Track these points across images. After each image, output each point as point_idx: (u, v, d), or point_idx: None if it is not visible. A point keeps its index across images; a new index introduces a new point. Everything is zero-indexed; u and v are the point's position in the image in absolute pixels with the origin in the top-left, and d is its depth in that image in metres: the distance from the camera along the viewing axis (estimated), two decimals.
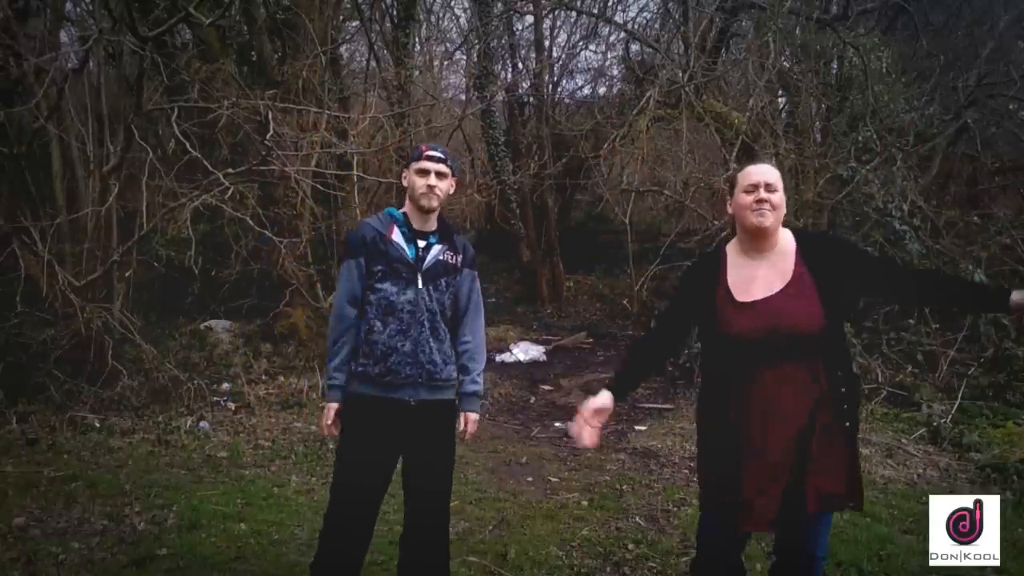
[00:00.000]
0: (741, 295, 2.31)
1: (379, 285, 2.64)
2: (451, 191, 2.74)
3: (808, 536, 2.36)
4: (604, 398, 2.41)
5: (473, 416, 2.78)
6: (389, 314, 2.62)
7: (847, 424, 2.27)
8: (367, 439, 2.67)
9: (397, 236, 2.67)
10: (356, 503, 2.71)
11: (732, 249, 2.44)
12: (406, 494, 2.78)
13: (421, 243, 2.68)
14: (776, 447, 2.22)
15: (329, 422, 2.71)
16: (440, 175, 2.64)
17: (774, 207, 2.30)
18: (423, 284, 2.64)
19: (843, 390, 2.26)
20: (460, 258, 2.73)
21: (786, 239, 2.39)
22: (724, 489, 2.32)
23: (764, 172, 2.36)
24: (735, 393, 2.28)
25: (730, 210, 2.44)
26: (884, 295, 2.49)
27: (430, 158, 2.65)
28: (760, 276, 2.33)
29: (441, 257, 2.69)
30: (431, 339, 2.65)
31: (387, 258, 2.64)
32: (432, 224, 2.71)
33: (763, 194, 2.30)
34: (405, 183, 2.71)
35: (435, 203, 2.65)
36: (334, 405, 2.70)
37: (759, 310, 2.27)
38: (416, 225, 2.70)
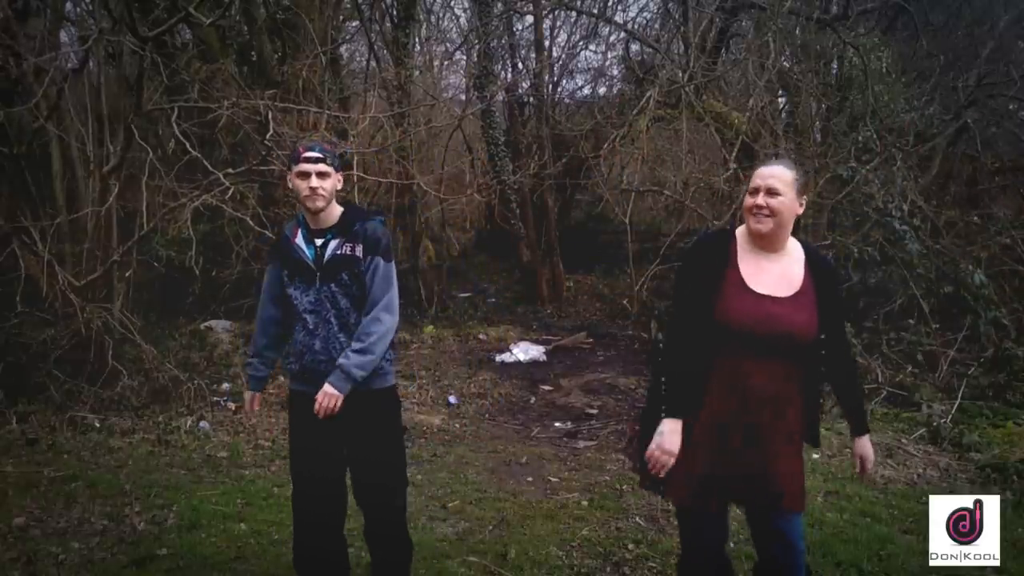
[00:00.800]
0: (752, 283, 2.30)
1: (288, 289, 2.71)
2: (339, 186, 2.70)
3: (783, 527, 2.40)
4: (679, 427, 2.29)
5: (328, 389, 2.56)
6: (299, 315, 2.69)
7: (808, 431, 2.38)
8: (305, 434, 2.74)
9: (299, 239, 2.70)
10: (310, 497, 2.75)
11: (742, 236, 2.41)
12: (353, 488, 2.80)
13: (319, 241, 2.68)
14: (737, 438, 2.28)
15: (247, 409, 2.93)
16: (321, 175, 2.61)
17: (772, 213, 2.28)
18: (323, 282, 2.64)
19: (811, 399, 2.35)
20: (361, 248, 2.65)
21: (795, 247, 2.39)
22: (682, 467, 2.35)
23: (768, 175, 2.31)
24: (718, 376, 2.29)
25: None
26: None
27: (308, 159, 2.61)
28: (770, 272, 2.33)
29: (339, 252, 2.65)
30: (340, 334, 2.64)
31: (290, 262, 2.70)
32: (330, 220, 2.69)
33: (760, 199, 2.29)
34: (291, 186, 2.71)
35: (320, 204, 2.63)
36: (248, 395, 2.91)
37: (766, 305, 2.27)
38: (313, 225, 2.70)
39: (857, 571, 3.35)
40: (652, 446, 2.29)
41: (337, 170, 2.69)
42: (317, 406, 2.57)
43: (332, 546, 2.82)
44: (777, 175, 2.30)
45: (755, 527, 2.47)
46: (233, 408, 5.87)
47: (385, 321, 2.63)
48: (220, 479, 4.50)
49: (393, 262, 2.72)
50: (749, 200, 2.33)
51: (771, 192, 2.28)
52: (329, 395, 2.57)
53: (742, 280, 2.30)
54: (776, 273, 2.33)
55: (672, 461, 2.27)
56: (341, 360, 2.58)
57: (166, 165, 6.01)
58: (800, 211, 2.35)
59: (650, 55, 10.61)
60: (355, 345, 2.59)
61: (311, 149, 2.65)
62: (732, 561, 2.66)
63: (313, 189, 2.60)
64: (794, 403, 2.31)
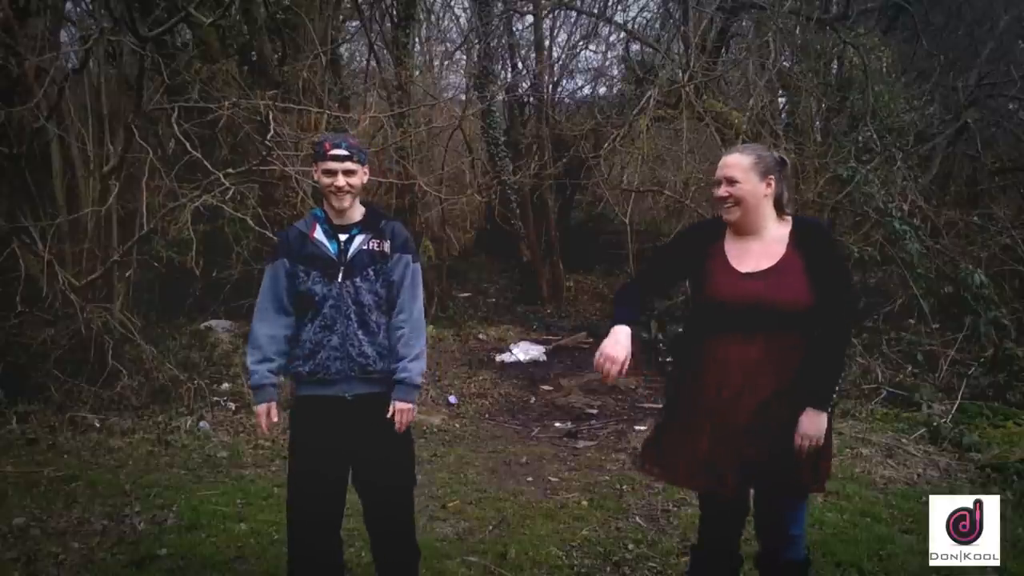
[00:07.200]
0: (736, 264, 2.38)
1: (303, 285, 2.62)
2: (364, 181, 2.66)
3: (783, 515, 2.40)
4: (625, 331, 2.33)
5: (401, 405, 2.63)
6: (314, 311, 2.61)
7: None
8: (314, 442, 2.66)
9: (319, 234, 2.65)
10: (310, 520, 2.66)
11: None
12: (359, 491, 2.74)
13: (343, 236, 2.64)
14: (741, 415, 2.28)
15: (263, 425, 2.72)
16: (348, 172, 2.56)
17: (736, 201, 2.33)
18: (346, 277, 2.60)
19: (824, 373, 2.32)
20: (388, 244, 2.65)
21: (783, 224, 2.41)
22: (682, 448, 2.38)
23: (724, 165, 2.37)
24: (712, 355, 2.34)
25: None
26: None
27: (335, 158, 2.55)
28: (752, 252, 2.38)
29: (366, 247, 2.63)
30: (359, 332, 2.60)
31: (309, 257, 2.62)
32: (353, 217, 2.67)
33: (722, 191, 2.35)
34: (315, 179, 2.66)
35: (347, 203, 2.60)
36: (263, 407, 2.70)
37: (746, 282, 2.32)
38: (336, 220, 2.66)
39: (857, 571, 3.35)
40: (598, 351, 2.31)
41: (363, 165, 2.64)
42: (398, 424, 2.62)
43: (327, 557, 2.75)
44: (732, 163, 2.35)
45: (757, 509, 2.47)
46: (233, 408, 5.87)
47: (423, 324, 2.70)
48: (220, 479, 4.50)
49: (419, 263, 2.73)
50: (714, 192, 2.42)
51: (729, 181, 2.34)
52: (406, 410, 2.63)
53: (726, 261, 2.39)
54: (757, 252, 2.37)
55: (615, 367, 2.25)
56: (402, 374, 2.61)
57: (166, 165, 6.00)
58: (768, 192, 2.34)
59: (650, 55, 10.60)
60: (408, 353, 2.62)
61: (337, 146, 2.58)
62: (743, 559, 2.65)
63: (339, 188, 2.56)
64: (799, 382, 2.28)
